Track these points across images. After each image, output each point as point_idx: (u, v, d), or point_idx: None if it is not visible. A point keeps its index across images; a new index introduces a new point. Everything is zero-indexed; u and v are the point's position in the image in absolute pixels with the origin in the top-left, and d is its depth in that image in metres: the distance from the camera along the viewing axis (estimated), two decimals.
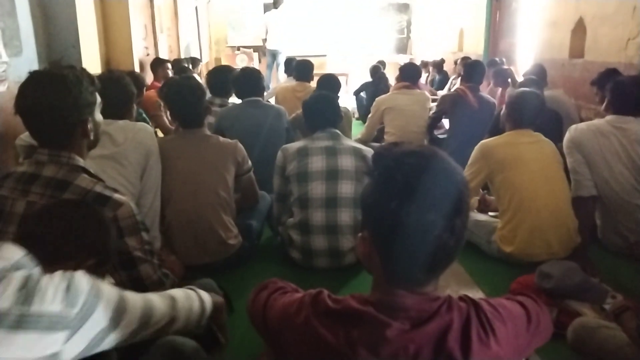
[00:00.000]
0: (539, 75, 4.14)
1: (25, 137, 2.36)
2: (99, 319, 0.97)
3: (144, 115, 3.96)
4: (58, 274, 0.96)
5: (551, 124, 3.43)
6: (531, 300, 1.08)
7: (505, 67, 5.49)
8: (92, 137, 1.49)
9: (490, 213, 2.91)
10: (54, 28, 4.18)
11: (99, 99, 1.52)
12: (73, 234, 1.12)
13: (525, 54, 6.42)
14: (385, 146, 0.99)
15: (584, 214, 2.58)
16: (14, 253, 1.00)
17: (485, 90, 4.91)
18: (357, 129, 5.73)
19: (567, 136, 2.71)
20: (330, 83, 4.01)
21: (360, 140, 4.36)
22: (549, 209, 2.47)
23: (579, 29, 4.77)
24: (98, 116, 1.53)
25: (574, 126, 2.74)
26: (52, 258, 1.05)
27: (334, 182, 2.45)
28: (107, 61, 5.01)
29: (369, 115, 4.46)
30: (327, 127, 2.58)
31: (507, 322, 0.95)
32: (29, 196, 1.36)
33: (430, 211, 0.84)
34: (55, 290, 0.92)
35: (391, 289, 0.91)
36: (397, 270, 0.91)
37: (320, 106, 2.64)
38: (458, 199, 0.87)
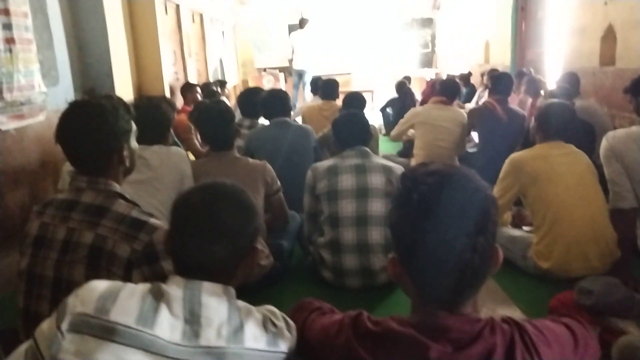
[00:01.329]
0: (571, 84, 4.05)
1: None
2: None
3: (176, 139, 4.05)
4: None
5: (583, 135, 3.35)
6: (577, 322, 1.05)
7: (537, 77, 5.41)
8: (127, 164, 1.54)
9: (525, 228, 2.85)
10: (89, 58, 4.34)
11: (134, 126, 1.57)
12: None
13: (553, 63, 6.32)
14: (411, 167, 0.99)
15: (624, 227, 2.46)
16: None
17: (514, 102, 4.86)
18: (384, 145, 5.72)
19: (603, 144, 2.55)
20: (356, 100, 4.04)
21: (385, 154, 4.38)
22: (585, 223, 2.41)
23: (609, 35, 4.68)
24: (134, 143, 1.57)
25: (611, 133, 2.55)
26: None
27: (364, 200, 2.45)
28: (138, 87, 5.17)
29: (400, 122, 4.46)
30: (357, 145, 2.59)
31: (552, 345, 0.92)
32: (69, 222, 1.40)
33: (448, 230, 0.83)
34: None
35: (430, 310, 0.90)
36: (427, 290, 0.90)
37: (350, 124, 2.65)
38: (480, 217, 0.86)
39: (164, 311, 0.96)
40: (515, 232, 2.74)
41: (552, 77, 5.75)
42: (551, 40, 6.43)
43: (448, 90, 4.42)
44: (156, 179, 2.14)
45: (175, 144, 3.78)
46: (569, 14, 5.49)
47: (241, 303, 1.04)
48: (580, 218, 2.41)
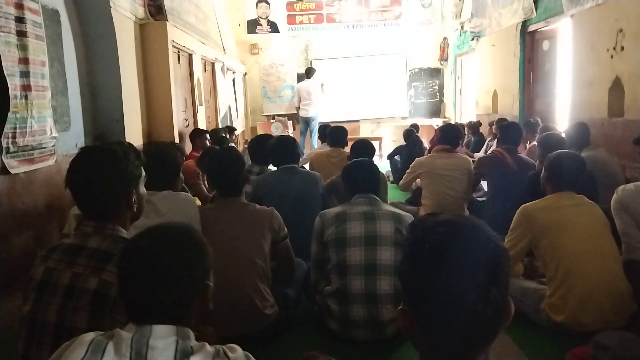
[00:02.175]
0: (582, 134, 4.07)
1: None
2: None
3: (183, 184, 4.09)
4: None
5: (586, 186, 3.35)
6: None
7: (551, 125, 5.45)
8: (135, 209, 1.56)
9: (538, 280, 2.80)
10: (101, 104, 4.46)
11: (143, 172, 1.59)
12: None
13: (562, 113, 6.39)
14: (420, 218, 0.99)
15: (637, 278, 2.44)
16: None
17: (522, 151, 4.88)
18: (392, 193, 5.72)
19: (614, 197, 2.63)
20: (364, 148, 4.05)
21: (394, 202, 4.37)
22: (599, 275, 2.37)
23: (617, 87, 4.75)
24: (142, 189, 1.60)
25: (621, 187, 2.65)
26: None
27: (372, 248, 2.43)
28: (148, 133, 5.27)
29: (407, 172, 4.46)
30: (366, 193, 2.60)
31: None
32: (74, 267, 1.40)
33: (460, 281, 0.82)
34: None
35: None
36: (438, 343, 0.88)
37: (360, 172, 2.67)
38: (492, 268, 0.85)
39: (109, 352, 0.98)
40: (528, 284, 2.69)
41: (561, 127, 5.80)
42: (559, 91, 6.53)
43: (450, 137, 4.35)
44: None
45: (184, 189, 3.82)
46: (576, 66, 5.60)
47: (195, 343, 1.04)
48: (594, 270, 2.38)
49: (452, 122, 10.28)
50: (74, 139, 4.00)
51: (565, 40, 6.16)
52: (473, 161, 5.26)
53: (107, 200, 1.48)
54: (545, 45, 6.85)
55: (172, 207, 2.21)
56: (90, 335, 1.03)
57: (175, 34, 5.70)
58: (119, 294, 1.11)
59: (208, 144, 5.28)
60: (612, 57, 4.78)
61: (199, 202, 4.31)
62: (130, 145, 1.59)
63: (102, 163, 1.48)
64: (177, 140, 5.49)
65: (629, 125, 4.47)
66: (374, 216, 2.50)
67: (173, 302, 1.05)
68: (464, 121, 9.34)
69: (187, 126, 6.27)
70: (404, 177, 4.50)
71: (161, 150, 2.44)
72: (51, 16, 3.71)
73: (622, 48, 4.61)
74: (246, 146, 5.22)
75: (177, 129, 5.59)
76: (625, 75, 4.60)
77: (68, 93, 3.93)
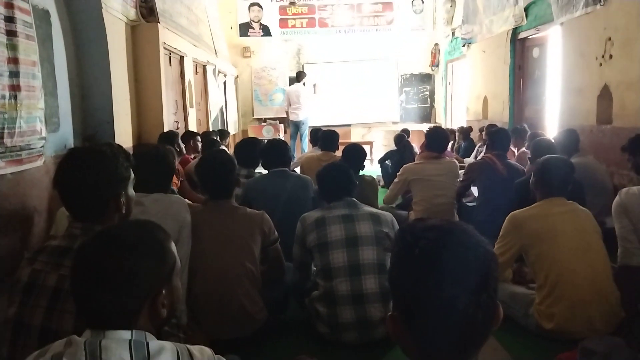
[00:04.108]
0: (571, 141, 4.09)
1: None
2: None
3: (173, 187, 4.07)
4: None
5: (574, 192, 3.36)
6: None
7: (540, 132, 5.49)
8: (124, 211, 1.54)
9: (527, 285, 2.81)
10: (90, 106, 4.43)
11: (132, 174, 1.58)
12: None
13: (551, 120, 6.45)
14: (409, 223, 1.00)
15: (631, 284, 2.42)
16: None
17: (510, 157, 4.92)
18: (382, 197, 5.74)
19: (616, 200, 2.57)
20: (355, 152, 4.07)
21: (384, 204, 4.34)
22: (589, 283, 2.38)
23: (605, 95, 4.81)
24: (130, 191, 1.59)
25: (624, 190, 2.57)
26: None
27: (354, 249, 2.45)
28: (139, 135, 5.24)
29: (394, 180, 4.43)
30: (343, 196, 2.61)
31: None
32: (61, 270, 1.39)
33: (451, 286, 0.83)
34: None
35: None
36: (428, 349, 0.88)
37: (332, 176, 2.68)
38: (482, 273, 0.85)
39: (67, 357, 0.99)
40: (517, 289, 2.70)
41: (550, 134, 5.86)
42: (549, 98, 6.59)
43: (437, 142, 4.30)
44: None
45: (173, 192, 3.80)
46: (566, 74, 5.66)
47: (154, 342, 1.03)
48: (584, 279, 2.38)
49: (442, 126, 10.35)
50: (63, 140, 3.96)
51: (555, 48, 6.23)
52: (463, 166, 5.30)
53: (96, 202, 1.47)
54: (536, 52, 6.92)
55: (163, 210, 2.20)
56: (52, 351, 1.03)
57: (166, 36, 5.68)
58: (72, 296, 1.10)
59: (199, 147, 5.27)
60: (600, 65, 4.84)
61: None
62: (119, 146, 1.58)
63: (90, 164, 1.46)
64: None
65: (617, 133, 4.53)
66: (353, 218, 2.52)
67: (116, 307, 1.03)
68: (455, 126, 9.40)
69: (177, 128, 6.24)
70: (391, 186, 4.46)
71: (154, 152, 2.42)
72: (42, 16, 3.68)
73: (611, 56, 4.67)
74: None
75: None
76: (614, 83, 4.66)
77: (57, 94, 3.89)
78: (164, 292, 1.08)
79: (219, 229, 2.41)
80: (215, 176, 2.49)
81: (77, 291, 1.06)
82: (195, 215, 2.38)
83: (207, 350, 1.10)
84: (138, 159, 2.26)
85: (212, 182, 2.52)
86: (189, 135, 5.52)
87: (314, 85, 9.84)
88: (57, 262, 1.41)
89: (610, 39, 4.69)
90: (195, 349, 1.08)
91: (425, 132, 4.47)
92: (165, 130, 5.31)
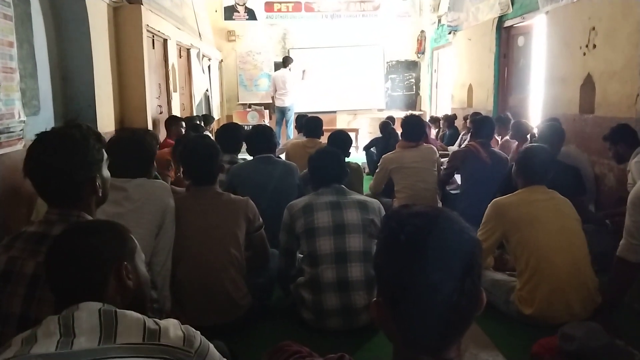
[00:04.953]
0: (556, 135, 4.05)
1: None
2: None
3: (156, 172, 4.03)
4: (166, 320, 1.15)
5: (571, 180, 3.40)
6: None
7: (523, 121, 5.53)
8: (100, 194, 1.52)
9: (508, 272, 2.86)
10: (72, 89, 4.34)
11: (105, 155, 1.55)
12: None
13: (535, 109, 6.50)
14: (394, 209, 1.00)
15: (621, 277, 2.38)
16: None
17: (494, 145, 4.96)
18: (368, 184, 5.75)
19: (634, 191, 2.37)
20: (341, 139, 4.06)
21: (369, 194, 4.35)
22: (568, 270, 2.42)
23: (588, 84, 4.86)
24: (105, 172, 1.56)
25: None
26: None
27: (341, 237, 2.46)
28: (121, 119, 5.17)
29: (377, 171, 4.45)
30: (332, 183, 2.61)
31: None
32: (38, 257, 1.36)
33: (436, 272, 0.83)
34: (175, 330, 1.12)
35: (413, 355, 0.89)
36: (412, 334, 0.89)
37: (324, 162, 2.68)
38: (467, 259, 0.86)
39: (40, 335, 1.05)
40: (498, 276, 2.75)
41: (533, 123, 5.91)
42: (533, 87, 6.64)
43: (411, 131, 4.25)
44: (136, 212, 2.11)
45: (157, 177, 3.77)
46: (550, 63, 5.70)
47: (123, 311, 1.11)
48: (563, 265, 2.43)
49: (426, 115, 10.38)
50: (44, 124, 3.88)
51: (540, 37, 6.26)
52: (447, 154, 5.33)
53: (70, 186, 1.44)
54: (521, 41, 6.95)
55: (146, 195, 2.17)
56: (25, 333, 1.08)
57: (150, 19, 5.58)
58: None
59: (183, 132, 5.21)
60: (584, 54, 4.88)
61: None
62: (89, 128, 1.55)
63: (60, 149, 1.43)
64: (150, 126, 5.40)
65: (598, 122, 4.58)
66: (340, 205, 2.52)
67: (84, 279, 1.14)
68: (440, 114, 9.44)
69: (160, 113, 6.17)
70: (374, 176, 4.45)
71: (135, 136, 2.39)
72: None
73: (594, 46, 4.71)
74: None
75: (150, 116, 5.49)
76: (597, 72, 4.71)
77: (38, 76, 3.81)
78: (126, 265, 1.19)
79: (203, 215, 2.39)
80: (198, 162, 2.47)
81: (51, 271, 1.17)
82: (178, 201, 2.36)
83: (173, 320, 1.17)
84: (116, 144, 2.23)
85: (195, 167, 2.50)
86: (172, 120, 5.46)
87: (303, 72, 9.76)
88: (34, 249, 1.38)
89: (594, 28, 4.73)
90: (162, 321, 1.15)
91: (401, 120, 4.42)
92: (148, 115, 5.25)
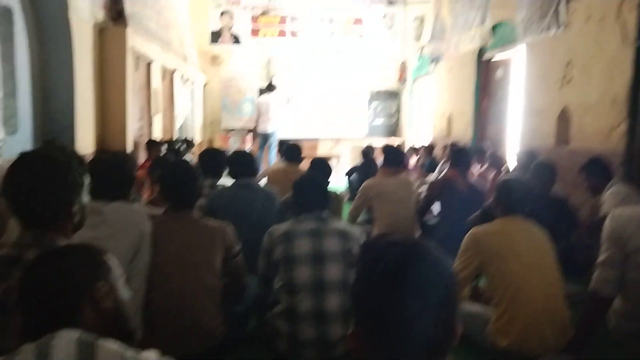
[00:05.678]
0: (549, 168, 3.88)
1: None
2: None
3: (135, 194, 3.98)
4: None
5: (559, 211, 3.47)
6: None
7: (498, 152, 5.63)
8: (77, 219, 1.49)
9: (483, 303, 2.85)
10: (52, 109, 4.31)
11: (86, 181, 1.54)
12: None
13: (513, 140, 6.63)
14: (373, 238, 1.00)
15: (593, 312, 2.39)
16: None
17: (471, 176, 5.02)
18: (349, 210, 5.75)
19: (607, 223, 2.37)
20: (322, 166, 4.09)
21: (348, 221, 4.35)
22: (544, 302, 2.42)
23: (564, 117, 4.98)
24: (85, 198, 1.54)
25: (617, 212, 2.39)
26: None
27: (320, 266, 2.42)
28: (101, 141, 5.12)
29: (355, 198, 4.47)
30: (314, 210, 2.59)
31: None
32: (8, 280, 1.33)
33: (413, 303, 0.83)
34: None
35: None
36: None
37: (307, 188, 2.66)
38: (444, 290, 0.86)
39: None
40: (473, 307, 2.73)
41: (511, 153, 6.02)
42: (511, 118, 6.79)
43: (391, 159, 4.48)
44: (112, 238, 2.07)
45: (135, 199, 3.72)
46: (528, 95, 5.84)
47: (101, 340, 1.08)
48: (539, 297, 2.42)
49: (406, 144, 10.50)
50: (21, 144, 3.84)
51: (518, 69, 6.43)
52: (426, 182, 5.37)
53: (47, 210, 1.41)
54: (500, 73, 7.12)
55: (123, 219, 2.14)
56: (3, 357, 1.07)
57: (135, 40, 5.59)
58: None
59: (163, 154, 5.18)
60: (561, 86, 5.01)
61: None
62: (73, 151, 1.55)
63: (41, 170, 1.41)
64: (130, 149, 5.36)
65: (574, 154, 4.68)
66: (321, 233, 2.49)
67: (58, 303, 1.13)
68: (420, 144, 9.56)
69: (141, 135, 6.13)
70: (353, 203, 4.46)
71: (114, 159, 2.36)
72: (3, 14, 3.57)
73: (571, 79, 4.85)
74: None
75: (131, 138, 5.46)
76: (573, 105, 4.84)
77: (17, 95, 3.78)
78: (101, 286, 1.18)
79: (180, 240, 2.35)
80: (177, 186, 2.43)
81: (24, 298, 1.15)
82: (154, 225, 2.32)
83: (152, 353, 1.16)
84: (95, 166, 2.20)
85: (173, 192, 2.46)
86: (152, 144, 5.43)
87: (289, 98, 9.85)
88: (4, 272, 1.35)
89: (570, 62, 4.87)
90: (142, 353, 1.13)
91: (382, 149, 4.62)
92: (129, 138, 5.21)
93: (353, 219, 4.35)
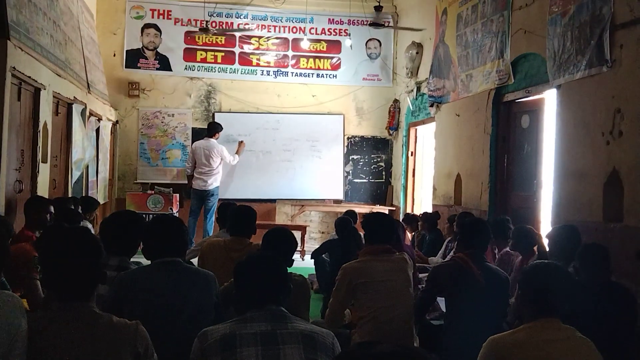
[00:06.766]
0: (571, 242, 4.18)
1: None
2: None
3: (3, 278, 3.85)
4: None
5: (621, 309, 3.57)
6: None
7: (529, 227, 5.67)
8: None
9: None
10: None
11: None
12: None
13: (545, 212, 6.69)
14: (352, 347, 1.00)
15: None
16: None
17: (490, 260, 5.05)
18: (316, 306, 5.68)
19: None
20: (282, 240, 4.05)
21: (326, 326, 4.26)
22: None
23: (614, 182, 5.05)
24: None
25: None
26: None
27: None
28: None
29: (334, 289, 4.39)
30: (266, 304, 2.57)
31: None
32: None
33: None
34: None
35: None
36: None
37: (255, 274, 2.67)
38: None
39: None
40: None
41: (543, 230, 6.08)
42: (542, 182, 6.87)
43: (377, 232, 4.36)
44: None
45: (4, 285, 3.59)
46: (563, 151, 5.92)
47: None
48: None
49: (399, 212, 10.60)
50: None
51: (550, 117, 6.57)
52: (427, 267, 5.37)
53: None
54: (525, 120, 7.30)
55: None
56: None
57: (18, 59, 5.60)
58: None
59: (50, 219, 5.07)
60: (608, 143, 5.14)
61: (26, 306, 4.06)
62: None
63: None
64: (3, 211, 5.24)
65: (630, 233, 4.75)
66: (276, 338, 2.46)
67: None
68: (418, 211, 9.66)
69: (20, 191, 6.03)
70: (332, 297, 4.35)
71: None
72: None
73: (621, 133, 4.98)
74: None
75: (4, 195, 5.35)
76: (625, 167, 4.93)
77: None
78: None
79: (69, 346, 2.27)
80: (68, 268, 2.38)
81: None
82: (32, 324, 2.25)
83: None
84: None
85: (62, 276, 2.40)
86: (35, 203, 5.32)
87: (240, 144, 9.91)
88: None
89: (619, 110, 5.03)
90: None
91: (362, 219, 4.50)
92: (1, 194, 5.10)
93: (334, 322, 4.21)
